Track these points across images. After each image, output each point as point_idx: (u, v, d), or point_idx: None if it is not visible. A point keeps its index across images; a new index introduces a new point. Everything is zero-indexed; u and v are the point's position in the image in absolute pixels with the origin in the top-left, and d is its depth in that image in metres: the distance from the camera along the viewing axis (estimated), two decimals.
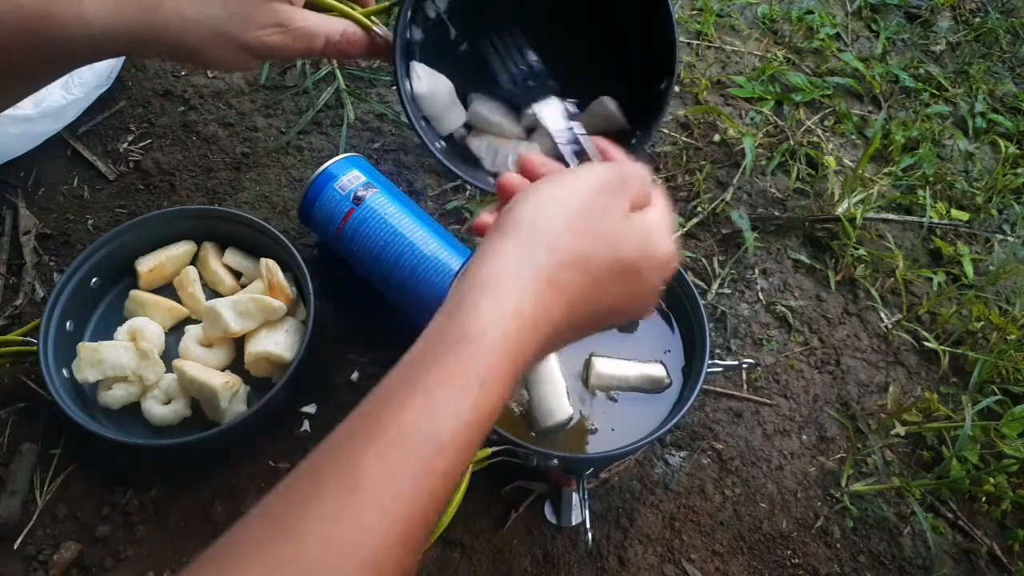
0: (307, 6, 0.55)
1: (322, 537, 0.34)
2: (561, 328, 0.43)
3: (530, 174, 0.50)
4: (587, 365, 0.77)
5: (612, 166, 0.48)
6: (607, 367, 0.77)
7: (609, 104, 0.69)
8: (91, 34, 0.49)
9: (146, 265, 0.88)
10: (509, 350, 0.40)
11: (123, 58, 1.08)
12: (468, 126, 0.71)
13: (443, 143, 0.67)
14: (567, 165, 0.55)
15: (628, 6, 0.66)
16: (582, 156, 0.56)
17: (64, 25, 0.48)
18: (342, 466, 0.36)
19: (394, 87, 1.14)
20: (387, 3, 0.61)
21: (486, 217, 0.48)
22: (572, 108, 0.63)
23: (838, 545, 0.83)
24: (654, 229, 0.47)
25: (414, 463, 0.36)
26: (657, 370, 0.78)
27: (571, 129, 0.59)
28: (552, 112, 0.62)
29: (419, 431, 0.37)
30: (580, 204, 0.45)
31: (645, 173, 0.49)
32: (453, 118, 0.69)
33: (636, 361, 0.78)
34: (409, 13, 0.60)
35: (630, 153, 0.66)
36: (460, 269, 0.76)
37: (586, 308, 0.44)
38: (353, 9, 0.58)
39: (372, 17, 0.59)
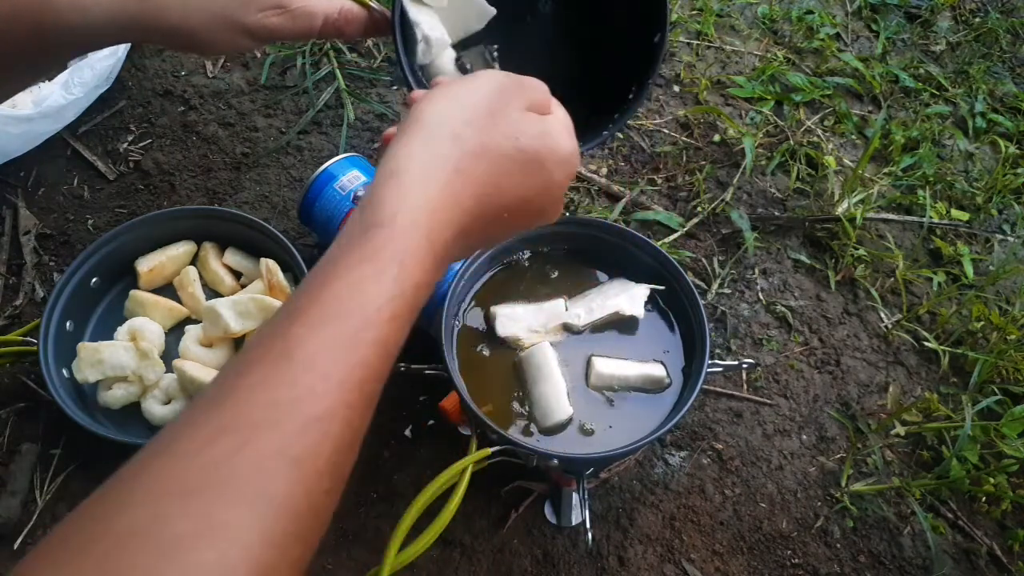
0: None
1: (258, 401, 0.34)
2: (473, 215, 0.44)
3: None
4: (587, 365, 0.77)
5: (509, 74, 0.50)
6: (607, 367, 0.77)
7: None
8: (90, 21, 0.50)
9: (146, 265, 0.88)
10: (422, 233, 0.41)
11: (123, 58, 1.08)
12: None
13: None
14: None
15: None
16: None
17: (62, 11, 0.48)
18: (273, 341, 0.37)
19: (394, 87, 1.15)
20: None
21: (393, 129, 0.50)
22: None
23: (838, 545, 0.83)
24: (554, 125, 0.49)
25: (343, 331, 0.37)
26: (657, 370, 0.78)
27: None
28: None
29: (344, 304, 0.38)
30: (479, 100, 0.46)
31: (544, 86, 0.51)
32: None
33: (636, 361, 0.78)
34: None
35: (627, 110, 0.68)
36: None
37: (494, 197, 0.46)
38: None
39: None
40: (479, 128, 0.45)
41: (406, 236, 0.40)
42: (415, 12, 0.63)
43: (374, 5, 0.59)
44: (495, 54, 0.66)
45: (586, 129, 0.71)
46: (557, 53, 0.73)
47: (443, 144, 0.44)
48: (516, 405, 0.75)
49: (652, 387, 0.77)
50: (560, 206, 0.52)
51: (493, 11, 0.68)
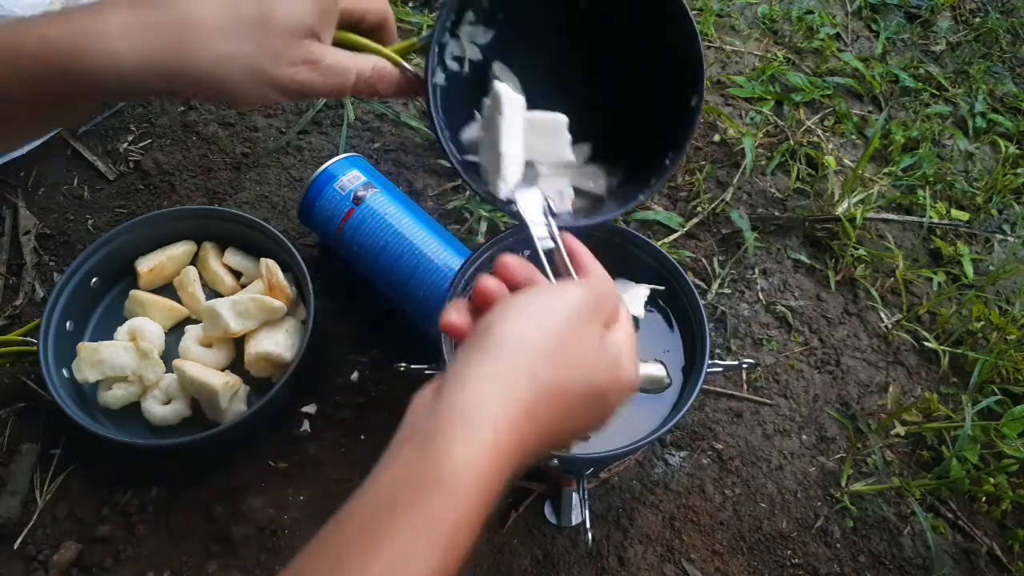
0: (336, 45, 0.55)
1: None
2: (530, 455, 0.42)
3: (508, 279, 0.50)
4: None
5: (587, 287, 0.48)
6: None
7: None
8: (121, 69, 0.48)
9: (146, 265, 0.88)
10: (482, 490, 0.38)
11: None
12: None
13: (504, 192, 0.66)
14: (542, 266, 0.56)
15: (651, 24, 0.66)
16: (555, 255, 0.57)
17: (94, 58, 0.47)
18: None
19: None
20: (414, 40, 0.60)
21: (454, 316, 0.48)
22: (555, 201, 0.64)
23: (838, 545, 0.83)
24: (622, 352, 0.47)
25: None
26: (657, 369, 0.77)
27: (548, 226, 0.60)
28: (532, 204, 0.62)
29: None
30: (558, 330, 0.44)
31: (613, 288, 0.50)
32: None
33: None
34: (437, 49, 0.60)
35: (662, 175, 0.66)
36: (449, 294, 0.76)
37: (556, 435, 0.44)
38: (382, 47, 0.58)
39: (403, 56, 0.59)
40: (557, 365, 0.43)
41: (466, 502, 0.38)
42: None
43: (407, 66, 0.58)
44: (549, 204, 0.64)
45: (622, 192, 0.69)
46: (589, 109, 0.72)
47: (519, 383, 0.42)
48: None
49: (652, 387, 0.77)
50: (614, 415, 0.49)
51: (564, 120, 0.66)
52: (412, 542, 0.36)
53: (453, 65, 0.67)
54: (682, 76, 0.64)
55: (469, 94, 0.68)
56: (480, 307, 0.48)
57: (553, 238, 0.58)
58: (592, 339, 0.46)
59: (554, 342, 0.44)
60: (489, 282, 0.49)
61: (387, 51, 0.58)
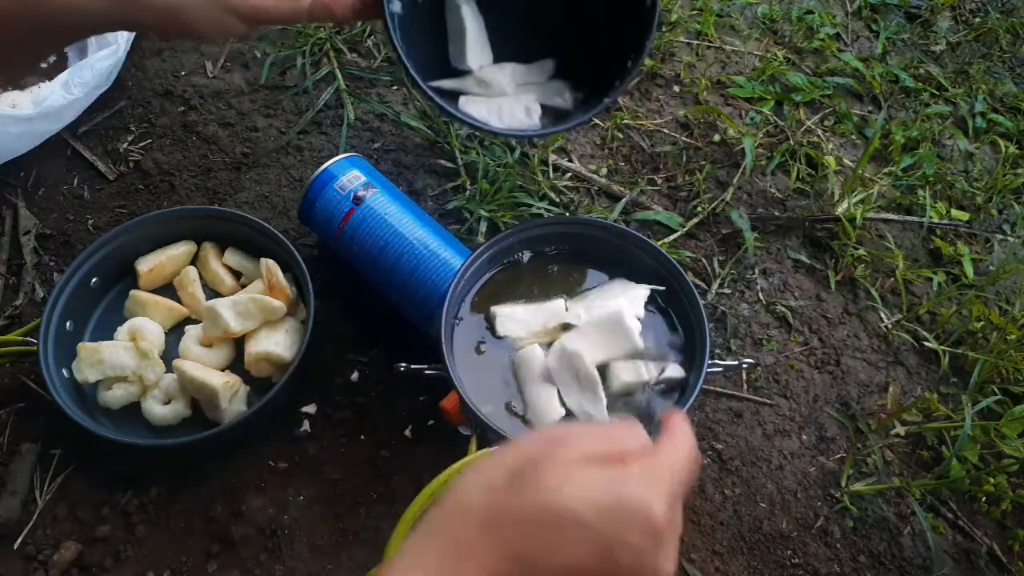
0: None
1: None
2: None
3: None
4: (605, 377, 0.76)
5: (573, 425, 0.45)
6: (628, 373, 0.76)
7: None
8: (79, 4, 0.49)
9: (146, 265, 0.88)
10: None
11: (123, 58, 1.08)
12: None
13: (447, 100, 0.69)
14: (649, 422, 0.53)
15: None
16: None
17: None
18: None
19: (394, 87, 1.15)
20: None
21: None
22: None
23: (838, 545, 0.83)
24: (614, 475, 0.39)
25: None
26: (675, 371, 0.77)
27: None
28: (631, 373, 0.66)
29: None
30: (511, 460, 0.40)
31: (624, 429, 0.43)
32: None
33: (655, 362, 0.78)
34: None
35: (626, 78, 0.68)
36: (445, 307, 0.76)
37: (526, 567, 0.38)
38: None
39: None
40: (494, 491, 0.38)
41: None
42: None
43: None
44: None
45: (586, 102, 0.72)
46: (547, 24, 0.73)
47: (451, 523, 0.38)
48: (515, 405, 0.75)
49: (671, 388, 0.77)
50: (655, 569, 0.39)
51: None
52: None
53: None
54: None
55: (428, 24, 0.69)
56: None
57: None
58: (551, 465, 0.39)
59: (500, 471, 0.40)
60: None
61: None
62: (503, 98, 0.74)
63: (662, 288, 0.81)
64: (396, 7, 0.65)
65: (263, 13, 0.54)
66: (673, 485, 0.40)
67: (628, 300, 0.80)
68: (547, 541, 0.37)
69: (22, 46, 0.52)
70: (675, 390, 0.77)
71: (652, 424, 0.55)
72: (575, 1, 0.73)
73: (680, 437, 0.44)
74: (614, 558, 0.38)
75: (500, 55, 0.79)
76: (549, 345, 0.78)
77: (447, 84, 0.76)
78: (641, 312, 0.80)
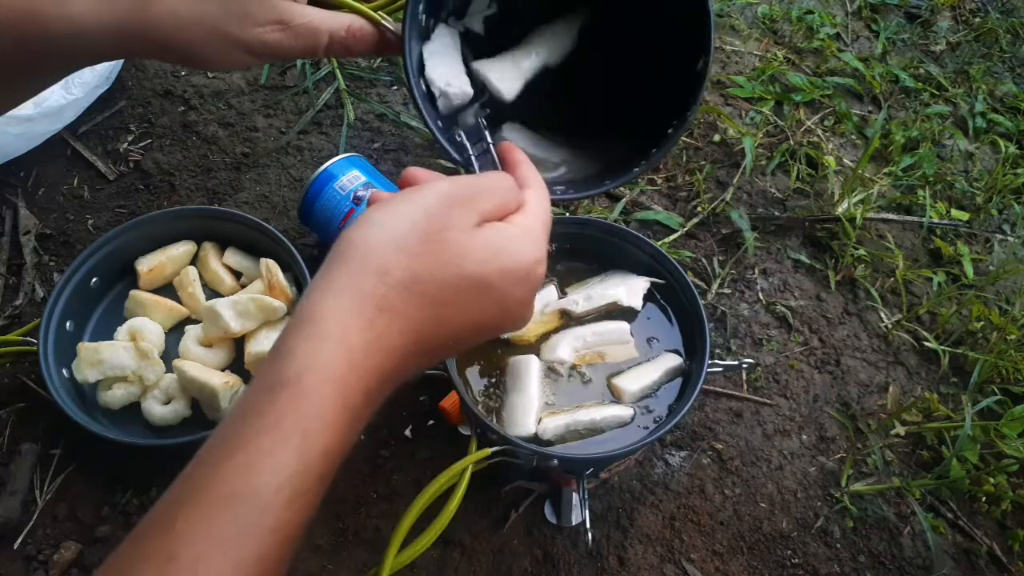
0: (310, 2, 0.52)
1: None
2: (406, 353, 0.41)
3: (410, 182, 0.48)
4: (612, 389, 0.76)
5: (458, 180, 0.46)
6: (633, 383, 0.76)
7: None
8: (79, 32, 0.47)
9: (146, 265, 0.88)
10: (335, 391, 0.37)
11: (123, 59, 1.08)
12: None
13: (468, 150, 0.63)
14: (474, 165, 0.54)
15: None
16: (485, 158, 0.55)
17: (51, 23, 0.46)
18: (160, 535, 0.34)
19: (394, 87, 1.15)
20: None
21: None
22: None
23: (838, 545, 0.83)
24: (511, 239, 0.44)
25: (235, 522, 0.34)
26: (674, 360, 0.78)
27: (479, 125, 0.57)
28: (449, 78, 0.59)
29: (236, 487, 0.34)
30: (415, 221, 0.42)
31: (504, 183, 0.47)
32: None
33: (650, 361, 0.78)
34: (421, 5, 0.56)
35: (666, 144, 0.61)
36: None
37: (436, 328, 0.42)
38: (359, 3, 0.55)
39: (380, 12, 0.56)
40: (411, 255, 0.41)
41: (313, 398, 0.36)
42: (432, 66, 0.58)
43: (386, 24, 0.55)
44: (484, 120, 0.60)
45: (621, 162, 0.64)
46: (586, 84, 0.67)
47: (367, 280, 0.40)
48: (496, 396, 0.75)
49: (676, 375, 0.77)
50: (526, 311, 0.47)
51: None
52: (259, 443, 0.36)
53: (456, 26, 0.63)
54: (688, 37, 0.59)
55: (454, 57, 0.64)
56: None
57: (484, 140, 0.55)
58: (459, 229, 0.43)
59: (410, 233, 0.42)
60: (415, 171, 0.48)
61: (365, 8, 0.54)
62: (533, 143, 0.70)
63: (662, 282, 0.82)
64: (417, 49, 0.61)
65: (276, 51, 0.51)
66: (545, 237, 0.47)
67: (627, 290, 0.80)
68: (460, 302, 0.42)
69: (18, 72, 0.51)
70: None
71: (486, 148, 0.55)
72: (620, 58, 0.67)
73: (540, 187, 0.49)
74: (507, 308, 0.45)
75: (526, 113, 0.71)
76: (549, 335, 0.79)
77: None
78: (639, 304, 0.80)
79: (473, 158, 0.55)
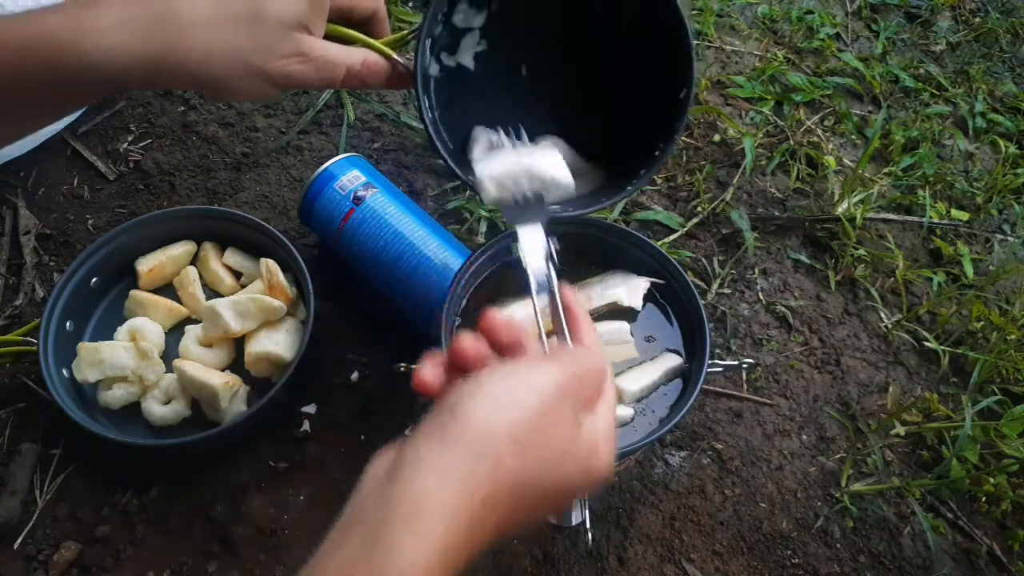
0: (328, 39, 0.55)
1: None
2: (485, 543, 0.40)
3: (491, 339, 0.47)
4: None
5: (567, 366, 0.44)
6: (633, 383, 0.76)
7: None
8: (113, 64, 0.49)
9: (146, 265, 0.88)
10: None
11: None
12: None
13: (474, 174, 0.65)
14: (535, 309, 0.54)
15: (641, 19, 0.66)
16: (550, 300, 0.54)
17: (86, 54, 0.48)
18: None
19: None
20: (406, 33, 0.60)
21: (427, 375, 0.45)
22: (555, 246, 0.63)
23: (838, 545, 0.83)
24: (599, 439, 0.44)
25: None
26: (674, 360, 0.78)
27: (548, 274, 0.58)
28: (533, 243, 0.61)
29: None
30: (528, 417, 0.41)
31: (598, 364, 0.46)
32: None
33: (650, 361, 0.78)
34: (428, 42, 0.61)
35: (652, 166, 0.65)
36: (446, 306, 0.75)
37: (514, 523, 0.42)
38: (372, 40, 0.59)
39: (389, 47, 0.60)
40: (525, 455, 0.40)
41: None
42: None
43: (398, 59, 0.59)
44: (553, 270, 0.60)
45: (606, 185, 0.69)
46: (577, 107, 0.71)
47: (480, 473, 0.39)
48: None
49: (676, 375, 0.77)
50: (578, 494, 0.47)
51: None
52: None
53: (449, 61, 0.67)
54: (671, 68, 0.63)
55: (466, 90, 0.68)
56: (457, 365, 0.46)
57: (551, 289, 0.55)
58: (566, 426, 0.43)
59: (524, 429, 0.41)
60: (467, 342, 0.46)
61: (377, 43, 0.58)
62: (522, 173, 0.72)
63: (662, 282, 0.82)
64: (435, 71, 0.65)
65: (299, 82, 0.54)
66: (613, 431, 0.46)
67: (627, 290, 0.80)
68: (543, 502, 0.42)
69: (36, 104, 0.53)
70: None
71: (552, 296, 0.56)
72: (603, 81, 0.71)
73: (606, 363, 0.48)
74: (569, 501, 0.46)
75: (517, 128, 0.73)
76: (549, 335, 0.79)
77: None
78: (639, 304, 0.80)
79: (535, 299, 0.56)
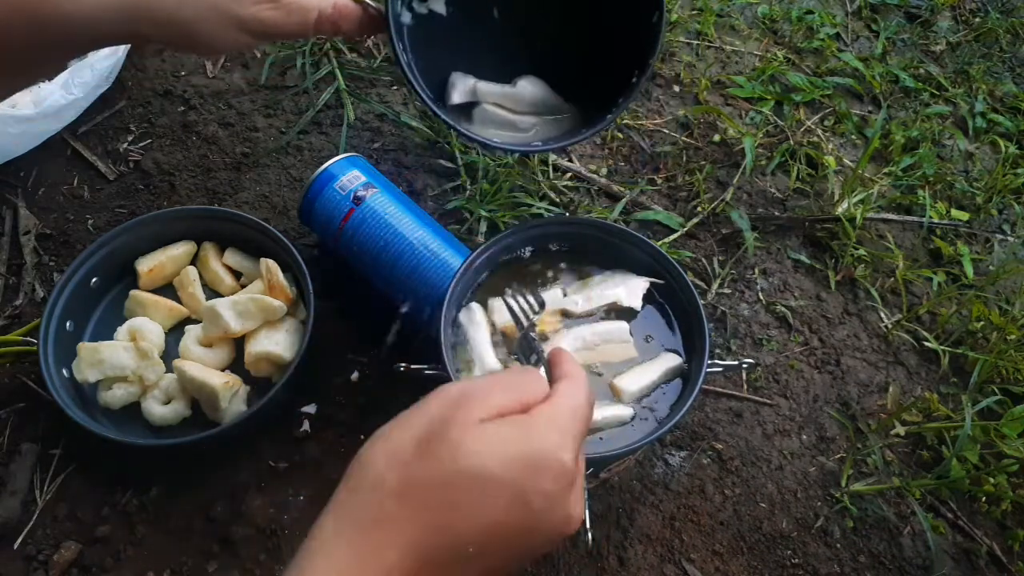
0: None
1: None
2: (412, 567, 0.37)
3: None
4: (611, 389, 0.77)
5: (479, 378, 0.44)
6: (632, 383, 0.76)
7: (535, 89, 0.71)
8: (87, 13, 0.50)
9: (146, 265, 0.88)
10: None
11: (123, 58, 1.08)
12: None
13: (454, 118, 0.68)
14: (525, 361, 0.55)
15: None
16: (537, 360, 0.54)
17: (59, 3, 0.49)
18: None
19: (394, 87, 1.15)
20: None
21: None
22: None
23: (838, 545, 0.83)
24: (522, 427, 0.40)
25: None
26: (673, 360, 0.78)
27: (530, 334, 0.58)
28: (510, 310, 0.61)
29: None
30: (414, 430, 0.40)
31: (524, 375, 0.44)
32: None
33: (650, 360, 0.78)
34: None
35: (630, 94, 0.68)
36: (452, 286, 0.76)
37: (439, 538, 0.38)
38: None
39: None
40: (405, 462, 0.38)
41: None
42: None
43: (370, 2, 0.59)
44: (534, 337, 0.61)
45: (589, 118, 0.72)
46: (550, 46, 0.73)
47: (363, 496, 0.38)
48: None
49: (675, 376, 0.77)
50: (560, 506, 0.41)
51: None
52: None
53: (421, 8, 0.68)
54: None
55: (440, 35, 0.70)
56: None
57: (538, 354, 0.54)
58: (460, 426, 0.40)
59: (406, 441, 0.40)
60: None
61: None
62: (507, 112, 0.75)
63: (661, 282, 0.82)
64: (407, 18, 0.66)
65: (271, 28, 0.55)
66: (576, 427, 0.42)
67: (627, 290, 0.80)
68: (464, 503, 0.38)
69: (21, 60, 0.53)
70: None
71: (537, 359, 0.55)
72: (574, 17, 0.73)
73: (576, 378, 0.45)
74: (529, 506, 0.39)
75: (494, 71, 0.77)
76: (549, 335, 0.79)
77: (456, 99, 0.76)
78: (639, 304, 0.80)
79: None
